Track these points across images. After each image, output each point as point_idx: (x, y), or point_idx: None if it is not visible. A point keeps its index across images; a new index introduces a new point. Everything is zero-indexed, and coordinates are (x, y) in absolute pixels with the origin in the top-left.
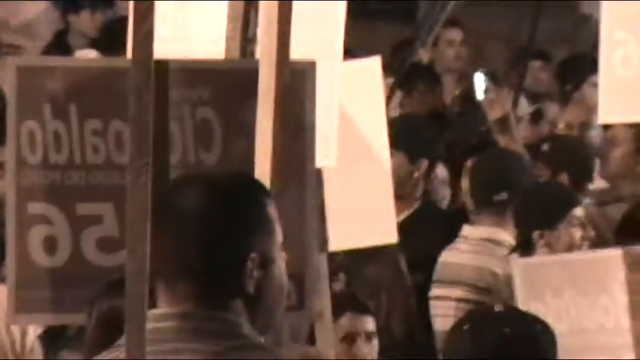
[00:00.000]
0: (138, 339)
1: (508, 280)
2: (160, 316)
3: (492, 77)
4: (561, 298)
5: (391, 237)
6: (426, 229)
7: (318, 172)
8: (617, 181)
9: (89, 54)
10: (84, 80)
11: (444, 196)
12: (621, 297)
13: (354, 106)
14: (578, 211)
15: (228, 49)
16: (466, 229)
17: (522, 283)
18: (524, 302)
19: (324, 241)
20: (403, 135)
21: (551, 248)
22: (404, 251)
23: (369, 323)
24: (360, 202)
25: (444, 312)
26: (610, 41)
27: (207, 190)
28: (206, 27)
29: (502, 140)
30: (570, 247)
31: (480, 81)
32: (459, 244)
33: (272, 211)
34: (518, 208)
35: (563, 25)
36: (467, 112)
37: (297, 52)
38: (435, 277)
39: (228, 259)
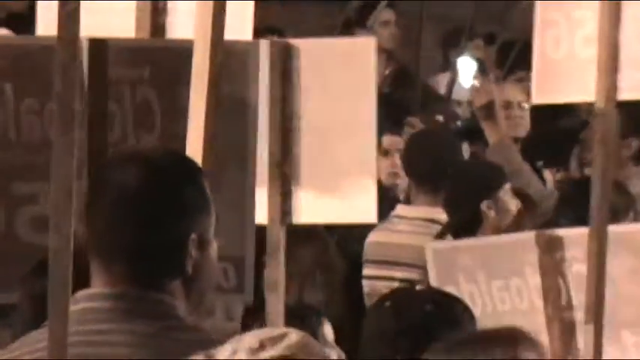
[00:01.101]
0: (61, 318)
1: None
2: (94, 295)
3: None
4: (475, 282)
5: (370, 216)
6: None
7: (285, 150)
8: None
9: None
10: (19, 59)
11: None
12: (533, 279)
13: (345, 83)
14: (507, 187)
15: (138, 22)
16: (401, 209)
17: (435, 267)
18: (438, 286)
19: (284, 215)
20: None
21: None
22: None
23: None
24: (342, 180)
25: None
26: (543, 23)
27: (148, 170)
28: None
29: (486, 127)
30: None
31: (467, 65)
32: (395, 224)
33: (208, 191)
34: (452, 188)
35: (496, 5)
36: (397, 92)
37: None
38: (366, 256)
39: (169, 240)
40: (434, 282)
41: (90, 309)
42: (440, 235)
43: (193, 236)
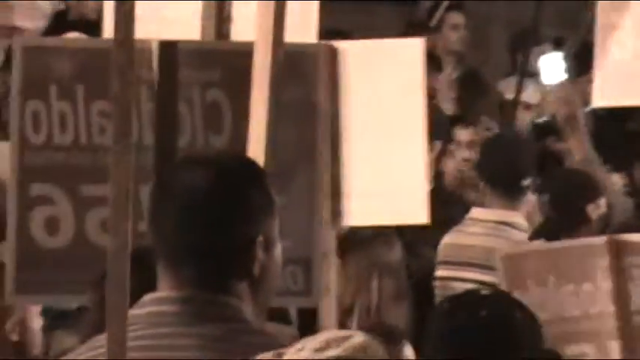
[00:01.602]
0: (119, 321)
1: None
2: (161, 299)
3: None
4: (545, 286)
5: (421, 217)
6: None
7: (334, 151)
8: None
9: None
10: (92, 61)
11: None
12: (604, 283)
13: (394, 84)
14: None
15: (203, 30)
16: (475, 212)
17: (505, 272)
18: (507, 290)
19: (335, 217)
20: None
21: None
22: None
23: None
24: (393, 181)
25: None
26: (605, 25)
27: (215, 173)
28: (181, 7)
29: (572, 142)
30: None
31: (547, 67)
32: (468, 227)
33: (272, 193)
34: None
35: (569, 7)
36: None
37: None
38: (439, 258)
39: (236, 242)
40: (504, 286)
41: (157, 312)
42: (535, 235)
43: (260, 238)
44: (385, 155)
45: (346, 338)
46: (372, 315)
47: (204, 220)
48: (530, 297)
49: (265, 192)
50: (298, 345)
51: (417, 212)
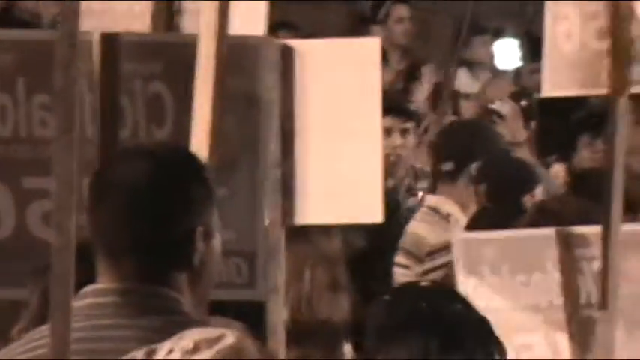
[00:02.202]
0: (63, 315)
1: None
2: (101, 290)
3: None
4: (498, 274)
5: (376, 216)
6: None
7: (285, 149)
8: None
9: None
10: (33, 54)
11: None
12: (554, 275)
13: (349, 83)
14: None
15: (154, 23)
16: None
17: (460, 256)
18: (462, 276)
19: (284, 215)
20: None
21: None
22: None
23: None
24: (348, 180)
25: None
26: (554, 15)
27: (153, 165)
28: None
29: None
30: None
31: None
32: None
33: (212, 184)
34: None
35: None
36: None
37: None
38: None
39: (176, 234)
40: (459, 272)
41: (96, 304)
42: (471, 225)
43: (200, 229)
44: (341, 154)
45: (218, 339)
46: (304, 306)
47: (143, 212)
48: (484, 284)
49: (204, 183)
50: (169, 344)
51: (372, 212)
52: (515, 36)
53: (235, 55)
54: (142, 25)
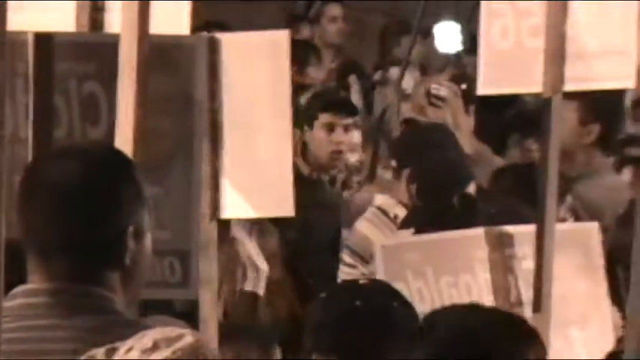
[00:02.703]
0: None
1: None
2: (32, 291)
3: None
4: (423, 278)
5: (288, 210)
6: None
7: (214, 144)
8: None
9: None
10: None
11: None
12: (483, 275)
13: (259, 77)
14: (472, 187)
15: (78, 19)
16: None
17: (383, 263)
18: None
19: (214, 209)
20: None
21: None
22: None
23: None
24: (261, 174)
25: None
26: (489, 13)
27: (82, 164)
28: None
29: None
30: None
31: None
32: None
33: (142, 183)
34: (420, 182)
35: None
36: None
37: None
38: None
39: (107, 233)
40: (381, 277)
41: (28, 304)
42: (403, 225)
43: (130, 228)
44: (255, 148)
45: (178, 338)
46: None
47: (73, 211)
48: (409, 289)
49: (134, 182)
50: (128, 343)
51: (283, 205)
52: (456, 19)
53: (169, 53)
54: (65, 23)
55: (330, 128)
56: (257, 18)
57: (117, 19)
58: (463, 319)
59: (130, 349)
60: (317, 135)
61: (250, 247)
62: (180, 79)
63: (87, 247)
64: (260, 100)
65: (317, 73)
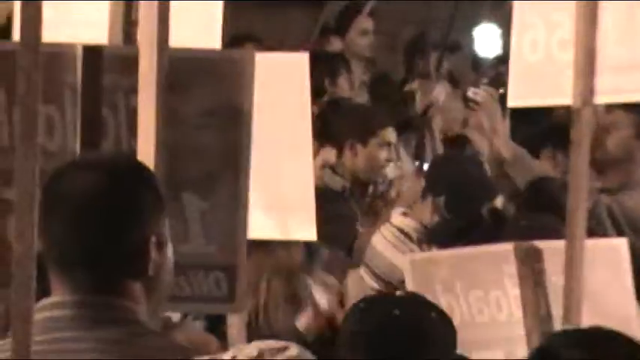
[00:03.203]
0: (24, 328)
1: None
2: (55, 304)
3: None
4: (452, 292)
5: (310, 233)
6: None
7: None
8: (616, 168)
9: None
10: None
11: None
12: (513, 290)
13: (279, 99)
14: (499, 202)
15: (111, 33)
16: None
17: (412, 277)
18: None
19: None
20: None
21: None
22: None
23: None
24: (282, 196)
25: None
26: (521, 25)
27: (101, 174)
28: (88, 9)
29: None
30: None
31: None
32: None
33: (162, 192)
34: (444, 202)
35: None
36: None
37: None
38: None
39: (129, 244)
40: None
41: (51, 318)
42: (431, 238)
43: (153, 238)
44: (277, 170)
45: (281, 350)
46: (260, 317)
47: (94, 222)
48: (438, 303)
49: (154, 191)
50: (230, 353)
51: (305, 228)
52: (496, 22)
53: (215, 67)
54: (99, 34)
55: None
56: (287, 30)
57: None
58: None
59: (234, 358)
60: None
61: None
62: (226, 93)
63: (108, 258)
64: (279, 122)
65: (348, 86)
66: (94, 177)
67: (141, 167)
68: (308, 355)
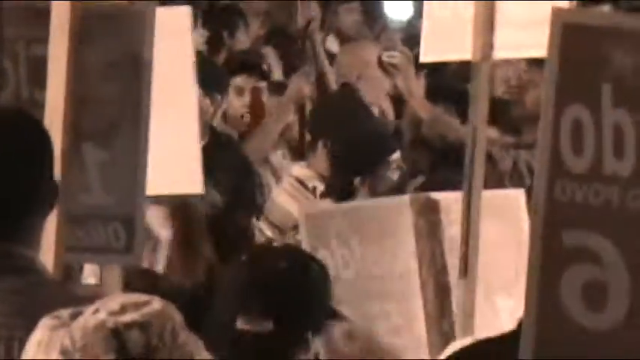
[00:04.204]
0: None
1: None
2: None
3: None
4: (348, 245)
5: (196, 187)
6: None
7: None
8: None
9: None
10: None
11: None
12: (409, 242)
13: (163, 53)
14: (396, 156)
15: None
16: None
17: (308, 231)
18: (310, 250)
19: None
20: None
21: (373, 193)
22: None
23: None
24: (168, 151)
25: None
26: None
27: None
28: None
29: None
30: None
31: None
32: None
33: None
34: (337, 153)
35: None
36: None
37: None
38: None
39: (26, 190)
40: (306, 246)
41: None
42: (327, 194)
43: (51, 181)
44: (162, 126)
45: (145, 303)
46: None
47: None
48: (333, 256)
49: (45, 137)
50: (95, 306)
51: (192, 182)
52: None
53: (116, 20)
54: None
55: (239, 91)
56: None
57: None
58: None
59: (96, 311)
60: (231, 99)
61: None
62: (128, 45)
63: (6, 205)
64: (163, 76)
65: (246, 39)
66: None
67: (25, 115)
68: (172, 309)
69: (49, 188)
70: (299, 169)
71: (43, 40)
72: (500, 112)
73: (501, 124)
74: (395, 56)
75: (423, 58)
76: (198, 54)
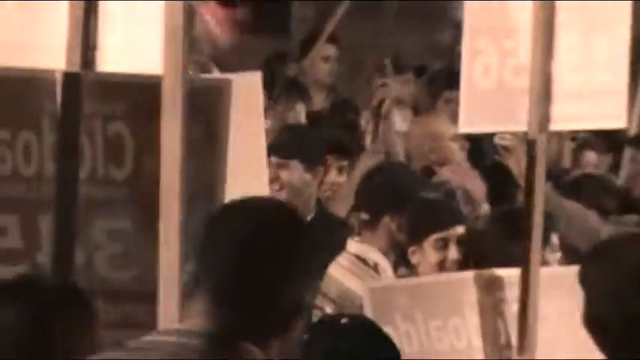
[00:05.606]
0: None
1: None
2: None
3: None
4: (411, 321)
5: None
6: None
7: None
8: None
9: None
10: None
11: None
12: (472, 318)
13: (233, 119)
14: (460, 230)
15: (69, 59)
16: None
17: (371, 306)
18: None
19: None
20: (297, 144)
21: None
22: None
23: None
24: None
25: None
26: (471, 50)
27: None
28: (46, 34)
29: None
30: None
31: None
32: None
33: None
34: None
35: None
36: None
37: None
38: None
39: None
40: None
41: (177, 343)
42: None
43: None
44: (230, 190)
45: None
46: None
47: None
48: (397, 332)
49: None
50: None
51: None
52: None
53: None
54: (57, 60)
55: (326, 169)
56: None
57: (110, 57)
58: None
59: None
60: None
61: None
62: (206, 121)
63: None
64: (235, 141)
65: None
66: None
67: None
68: None
69: None
70: (357, 246)
71: (119, 116)
72: None
73: None
74: (507, 138)
75: (462, 129)
76: (300, 127)
